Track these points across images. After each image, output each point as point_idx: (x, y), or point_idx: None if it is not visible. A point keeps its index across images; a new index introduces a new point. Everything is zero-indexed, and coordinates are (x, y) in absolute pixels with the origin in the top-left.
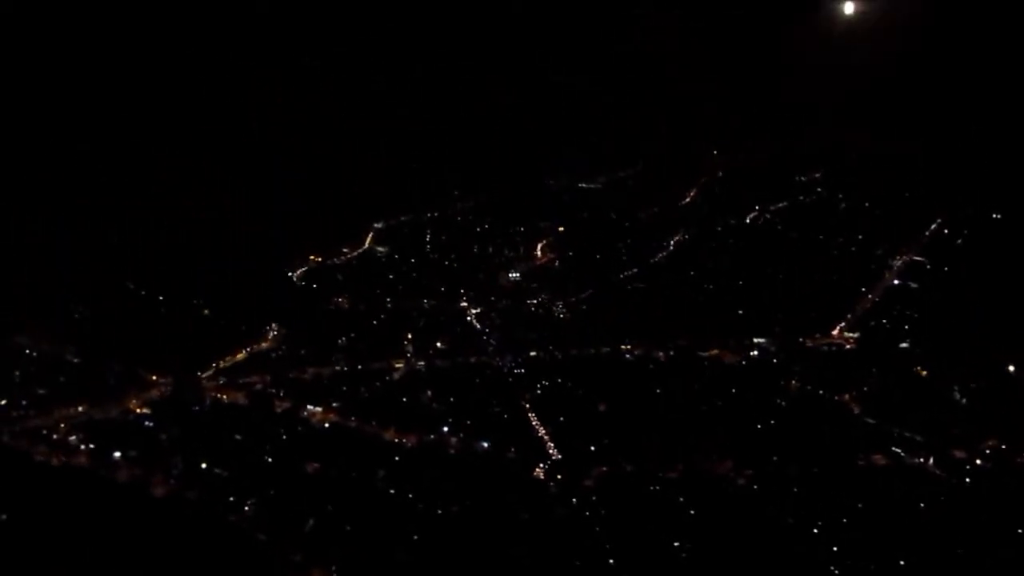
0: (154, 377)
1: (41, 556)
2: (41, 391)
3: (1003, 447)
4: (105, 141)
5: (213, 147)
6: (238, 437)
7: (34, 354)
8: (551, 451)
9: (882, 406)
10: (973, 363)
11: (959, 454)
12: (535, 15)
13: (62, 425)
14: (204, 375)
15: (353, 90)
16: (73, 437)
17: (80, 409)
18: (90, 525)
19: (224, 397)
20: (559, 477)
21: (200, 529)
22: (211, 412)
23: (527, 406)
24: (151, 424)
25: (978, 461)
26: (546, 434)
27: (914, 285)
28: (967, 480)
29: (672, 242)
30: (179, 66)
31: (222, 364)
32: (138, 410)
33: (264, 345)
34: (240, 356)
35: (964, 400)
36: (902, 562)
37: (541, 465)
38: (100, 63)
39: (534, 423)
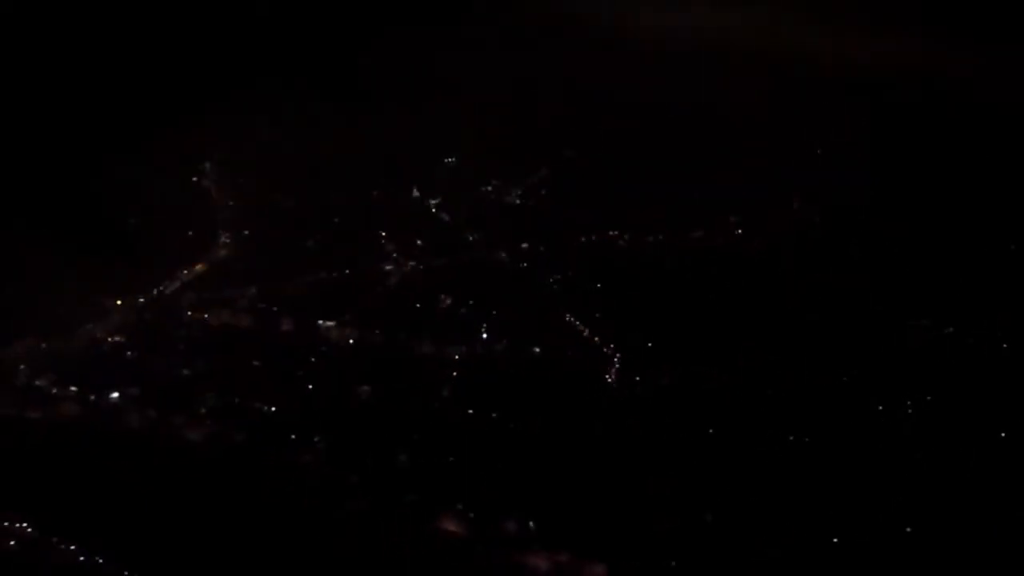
0: (105, 300)
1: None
2: None
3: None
4: None
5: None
6: (256, 363)
7: None
8: (609, 351)
9: (893, 278)
10: (940, 223)
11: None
12: None
13: (22, 367)
14: (168, 292)
15: None
16: (42, 380)
17: (36, 345)
18: (130, 489)
19: (207, 316)
20: (637, 379)
21: (274, 476)
22: (207, 335)
23: (555, 304)
24: (134, 354)
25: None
26: (591, 333)
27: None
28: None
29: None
30: None
31: (185, 277)
32: (109, 339)
33: (222, 254)
34: (200, 268)
35: (961, 269)
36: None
37: (612, 367)
38: None
39: (576, 323)
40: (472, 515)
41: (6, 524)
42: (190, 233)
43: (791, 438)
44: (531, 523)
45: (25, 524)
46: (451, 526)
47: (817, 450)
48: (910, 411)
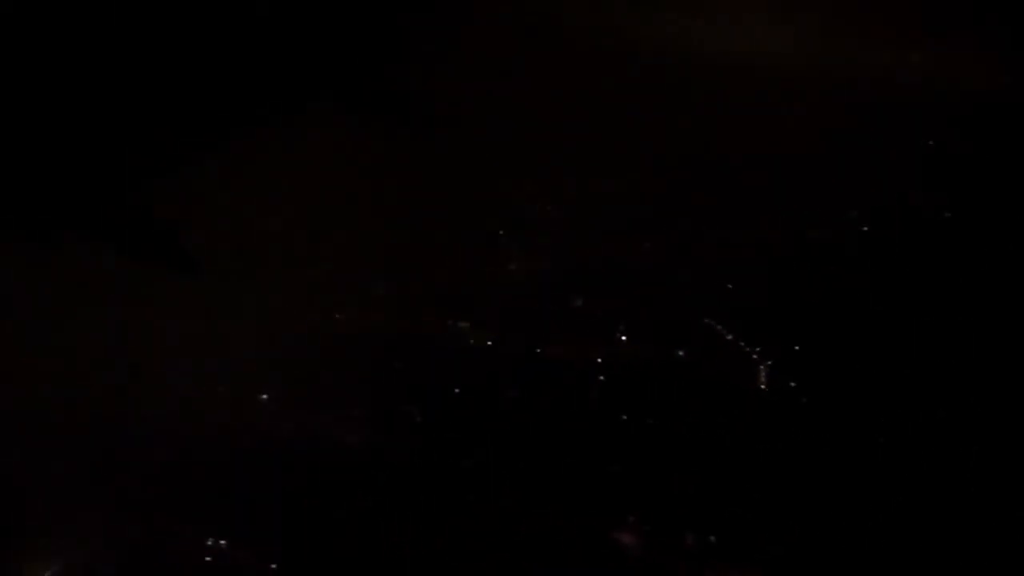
0: (235, 299)
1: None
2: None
3: None
4: None
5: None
6: (398, 365)
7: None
8: (755, 357)
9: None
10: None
11: None
12: None
13: (168, 370)
14: (294, 292)
15: None
16: (187, 383)
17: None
18: (292, 495)
19: (338, 316)
20: (792, 385)
21: (433, 483)
22: (342, 335)
23: (689, 305)
24: (274, 355)
25: None
26: (734, 337)
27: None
28: None
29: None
30: None
31: (308, 277)
32: (245, 339)
33: (340, 252)
34: (321, 266)
35: None
36: None
37: (760, 371)
38: None
39: (716, 325)
40: (648, 527)
41: (209, 543)
42: (305, 231)
43: (960, 449)
44: (712, 537)
45: (220, 540)
46: (627, 539)
47: (990, 453)
48: None
